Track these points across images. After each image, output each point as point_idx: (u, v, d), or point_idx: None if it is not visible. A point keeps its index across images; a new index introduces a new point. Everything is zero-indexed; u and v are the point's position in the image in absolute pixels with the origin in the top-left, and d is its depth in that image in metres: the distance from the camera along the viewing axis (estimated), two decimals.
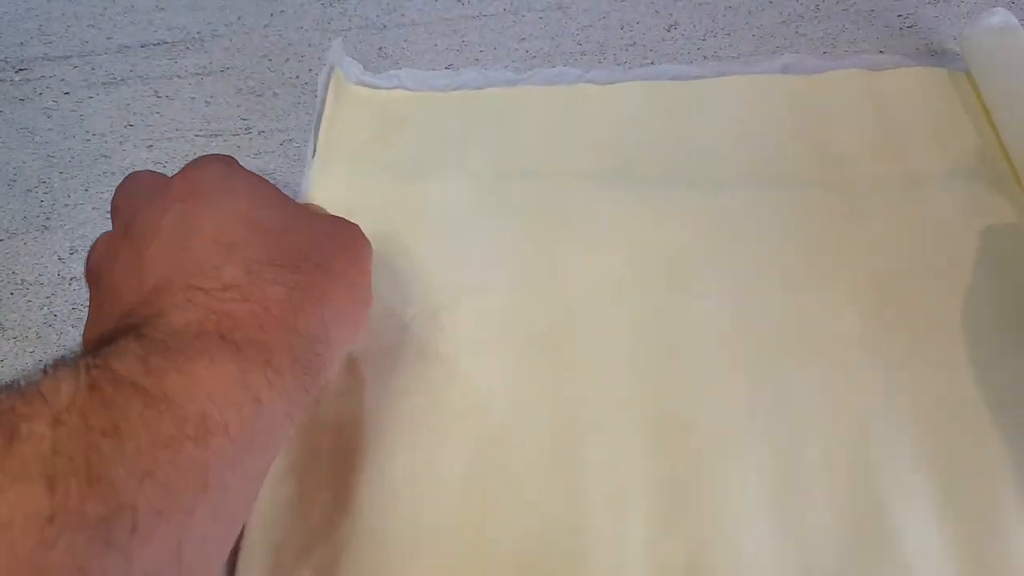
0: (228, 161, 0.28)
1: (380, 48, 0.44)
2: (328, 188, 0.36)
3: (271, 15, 0.45)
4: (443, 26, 0.45)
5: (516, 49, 0.43)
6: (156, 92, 0.42)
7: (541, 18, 0.45)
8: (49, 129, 0.41)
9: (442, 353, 0.31)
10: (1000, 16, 0.38)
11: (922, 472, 0.28)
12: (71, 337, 0.34)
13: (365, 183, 0.36)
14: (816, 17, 0.44)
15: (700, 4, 0.45)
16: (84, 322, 0.27)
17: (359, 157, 0.38)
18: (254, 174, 0.27)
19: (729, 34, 0.43)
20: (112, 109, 0.41)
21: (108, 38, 0.44)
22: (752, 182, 0.36)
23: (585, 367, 0.31)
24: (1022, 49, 0.37)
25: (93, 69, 0.43)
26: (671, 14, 0.45)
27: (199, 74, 0.43)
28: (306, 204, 0.32)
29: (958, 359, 0.30)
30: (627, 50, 0.43)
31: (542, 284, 0.33)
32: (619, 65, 0.42)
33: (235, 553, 0.28)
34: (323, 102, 0.39)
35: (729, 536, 0.27)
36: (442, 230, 0.35)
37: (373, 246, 0.30)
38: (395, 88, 0.41)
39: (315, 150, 0.38)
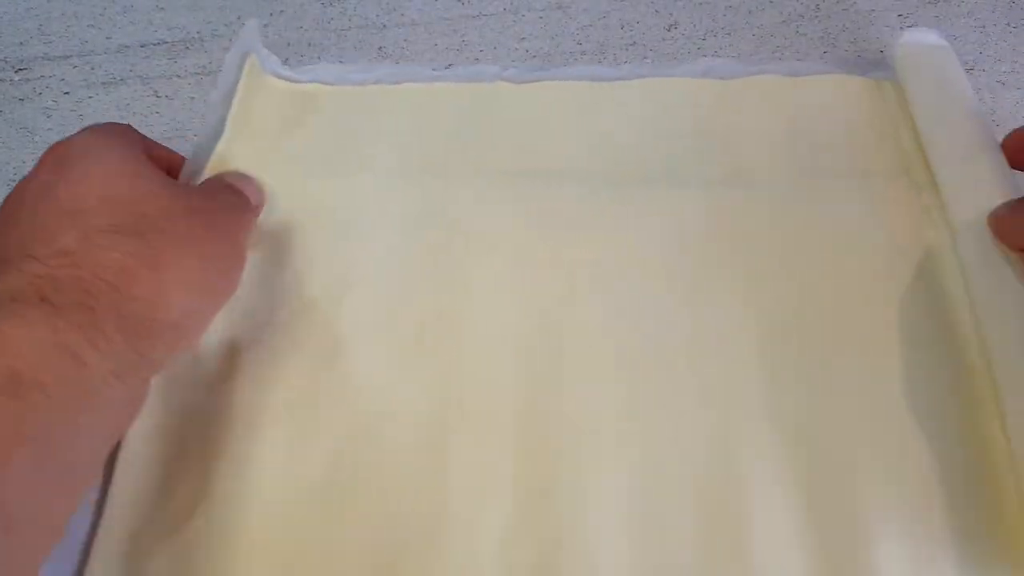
0: (105, 130, 0.29)
1: (380, 48, 0.44)
2: (228, 167, 0.35)
3: (271, 15, 0.45)
4: (443, 26, 0.45)
5: (516, 49, 0.43)
6: (156, 92, 0.42)
7: (541, 18, 0.45)
8: (49, 129, 0.40)
9: (319, 345, 0.31)
10: (933, 36, 0.38)
11: (787, 485, 0.28)
12: None
13: (269, 172, 0.36)
14: (816, 17, 0.44)
15: (700, 4, 0.45)
16: None
17: (266, 146, 0.37)
18: (127, 143, 0.28)
19: (729, 34, 0.43)
20: (112, 109, 0.41)
21: (108, 38, 0.44)
22: (656, 185, 0.36)
23: (465, 364, 0.31)
24: (952, 66, 0.37)
25: (93, 69, 0.43)
26: (671, 14, 0.45)
27: (199, 74, 0.43)
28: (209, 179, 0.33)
29: (843, 370, 0.30)
30: (627, 50, 0.43)
31: (432, 281, 0.33)
32: (536, 65, 0.42)
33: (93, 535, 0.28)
34: (233, 86, 0.39)
35: (582, 539, 0.27)
36: (339, 223, 0.35)
37: (271, 235, 0.32)
38: (311, 82, 0.40)
39: (213, 133, 0.37)
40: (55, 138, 0.40)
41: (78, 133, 0.28)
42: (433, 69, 0.41)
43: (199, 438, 0.29)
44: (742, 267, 0.33)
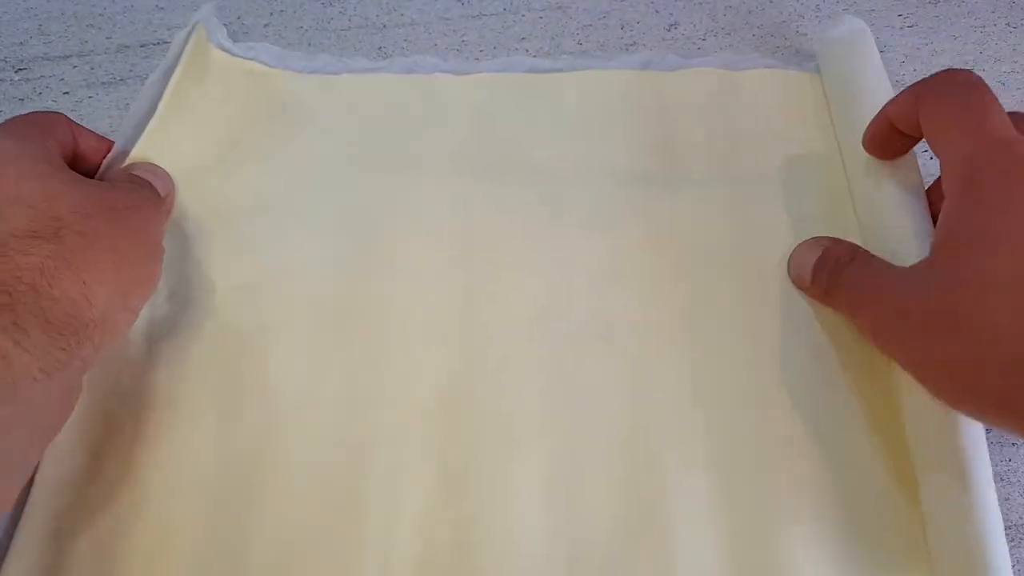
0: (19, 125, 0.29)
1: (380, 48, 0.44)
2: (159, 148, 0.35)
3: (271, 14, 0.45)
4: (443, 26, 0.45)
5: (516, 49, 0.43)
6: None
7: (541, 18, 0.45)
8: None
9: (241, 331, 0.32)
10: (853, 23, 0.38)
11: (701, 468, 0.29)
12: None
13: (196, 152, 0.36)
14: (816, 17, 0.44)
15: (700, 3, 0.45)
16: None
17: (198, 122, 0.37)
18: (40, 140, 0.29)
19: (729, 33, 0.43)
20: (112, 109, 0.41)
21: (108, 38, 0.44)
22: (586, 176, 0.36)
23: (384, 349, 0.31)
24: (867, 56, 0.37)
25: (93, 69, 0.43)
26: (671, 14, 0.45)
27: None
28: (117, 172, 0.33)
29: (756, 361, 0.31)
30: (627, 50, 0.43)
31: (354, 270, 0.33)
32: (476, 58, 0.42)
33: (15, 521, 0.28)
34: (177, 56, 0.39)
35: (500, 517, 0.28)
36: (266, 211, 0.35)
37: (196, 220, 0.33)
38: (252, 59, 0.41)
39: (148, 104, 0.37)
40: None
41: None
42: (371, 60, 0.41)
43: (124, 423, 0.30)
44: (669, 262, 0.33)
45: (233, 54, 0.41)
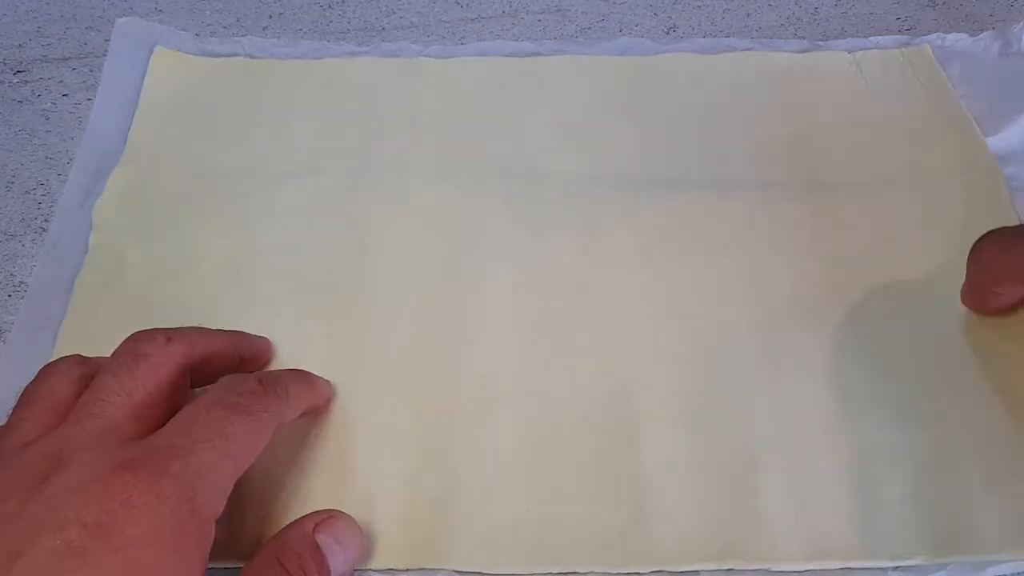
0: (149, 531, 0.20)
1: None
2: (144, 144, 0.38)
3: (269, 17, 0.45)
4: (441, 28, 0.45)
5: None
6: None
7: (540, 20, 0.45)
8: (48, 131, 0.40)
9: (225, 307, 0.32)
10: None
11: (678, 415, 0.29)
12: None
13: (181, 144, 0.38)
14: (815, 20, 0.44)
15: (698, 7, 0.45)
16: None
17: (175, 118, 0.39)
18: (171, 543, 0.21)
19: (728, 36, 0.43)
20: None
21: (107, 40, 0.44)
22: (565, 156, 0.37)
23: (365, 322, 0.32)
24: None
25: (92, 71, 0.43)
26: (670, 17, 0.45)
27: None
28: None
29: (735, 328, 0.32)
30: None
31: (335, 247, 0.34)
32: (458, 43, 0.43)
33: None
34: (131, 77, 0.41)
35: (480, 473, 0.28)
36: (245, 193, 0.36)
37: (179, 198, 0.35)
38: (234, 56, 0.42)
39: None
40: (54, 140, 0.40)
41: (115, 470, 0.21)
42: (355, 45, 0.42)
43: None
44: (634, 224, 0.35)
45: (213, 54, 0.42)
